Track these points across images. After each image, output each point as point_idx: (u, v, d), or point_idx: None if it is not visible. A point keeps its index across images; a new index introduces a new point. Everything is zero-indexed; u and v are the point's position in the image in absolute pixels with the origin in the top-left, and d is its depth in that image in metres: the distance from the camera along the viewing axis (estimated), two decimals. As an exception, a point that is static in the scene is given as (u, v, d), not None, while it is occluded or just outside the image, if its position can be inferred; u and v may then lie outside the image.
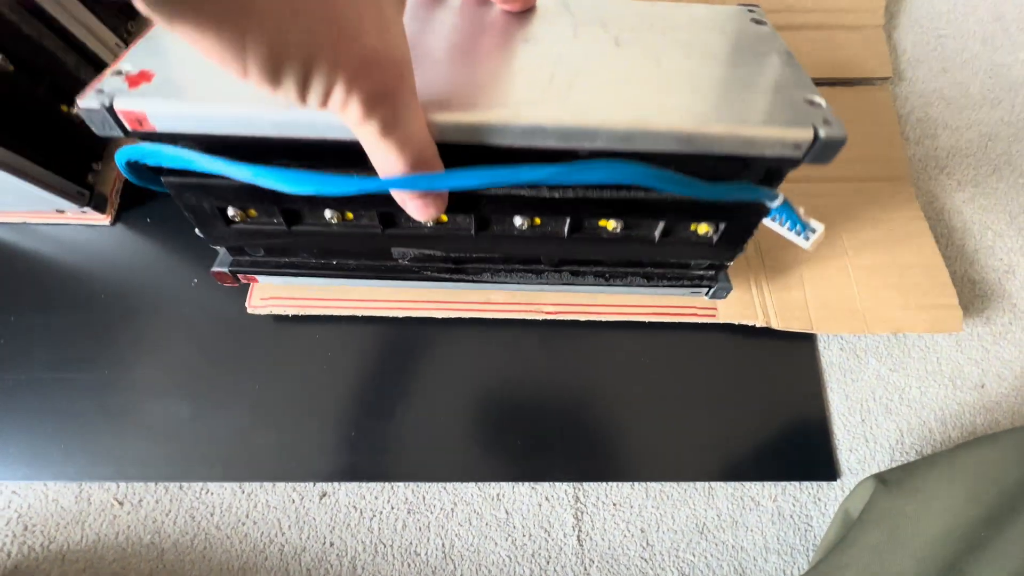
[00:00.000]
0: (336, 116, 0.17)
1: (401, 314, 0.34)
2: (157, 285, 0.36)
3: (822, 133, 0.20)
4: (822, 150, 0.21)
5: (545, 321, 0.34)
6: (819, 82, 0.42)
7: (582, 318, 0.34)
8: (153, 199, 0.38)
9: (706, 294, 0.32)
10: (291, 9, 0.14)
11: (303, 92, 0.15)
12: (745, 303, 0.35)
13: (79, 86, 0.20)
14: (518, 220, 0.26)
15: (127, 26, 0.40)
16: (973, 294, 0.38)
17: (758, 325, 0.34)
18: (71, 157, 0.35)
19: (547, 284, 0.31)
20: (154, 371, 0.34)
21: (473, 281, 0.31)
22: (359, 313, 0.34)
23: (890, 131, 0.40)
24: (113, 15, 0.38)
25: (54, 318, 0.35)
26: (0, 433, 0.32)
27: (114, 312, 0.36)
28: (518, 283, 0.31)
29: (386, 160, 0.18)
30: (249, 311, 0.34)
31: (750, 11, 0.27)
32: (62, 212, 0.36)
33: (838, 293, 0.35)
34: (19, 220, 0.37)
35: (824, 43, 0.42)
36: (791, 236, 0.27)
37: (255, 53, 0.14)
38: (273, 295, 0.34)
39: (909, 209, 0.38)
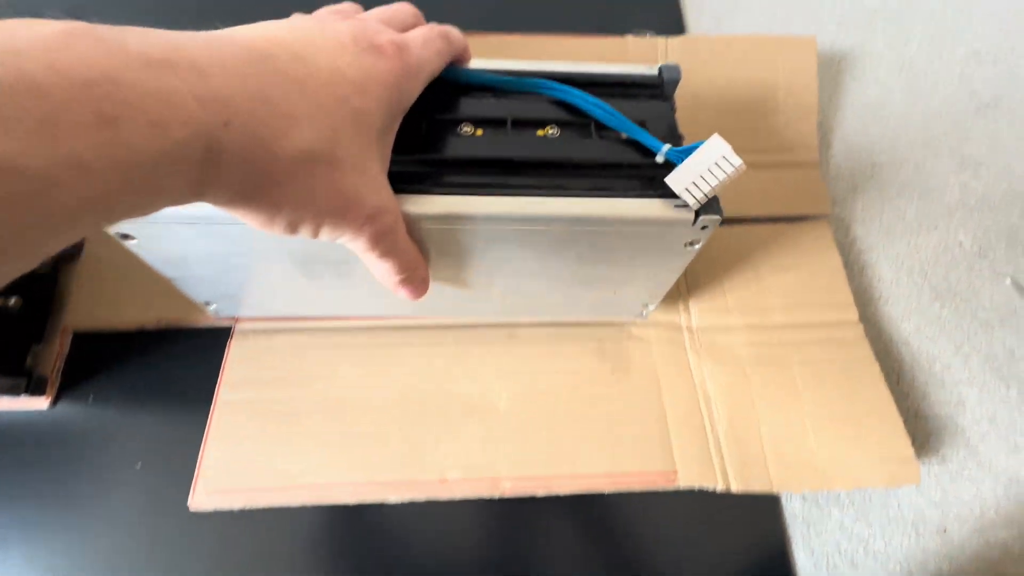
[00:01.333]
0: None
1: (353, 500, 0.33)
2: (98, 469, 0.35)
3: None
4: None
5: (503, 499, 0.34)
6: (763, 219, 0.43)
7: (540, 492, 0.34)
8: (98, 375, 0.37)
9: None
10: (309, 195, 0.19)
11: (316, 237, 0.21)
12: (704, 464, 0.35)
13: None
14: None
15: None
16: (927, 431, 0.39)
17: (718, 490, 0.34)
18: (9, 350, 0.34)
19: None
20: (92, 566, 0.32)
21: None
22: (310, 503, 0.33)
23: (833, 267, 0.42)
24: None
25: (-16, 519, 0.33)
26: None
27: (50, 503, 0.34)
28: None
29: (386, 274, 0.24)
30: (192, 509, 0.32)
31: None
32: (-4, 399, 0.35)
33: (796, 447, 0.35)
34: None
35: (767, 182, 0.44)
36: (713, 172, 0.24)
37: (281, 223, 0.19)
38: (219, 487, 0.33)
39: (860, 349, 0.39)
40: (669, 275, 0.32)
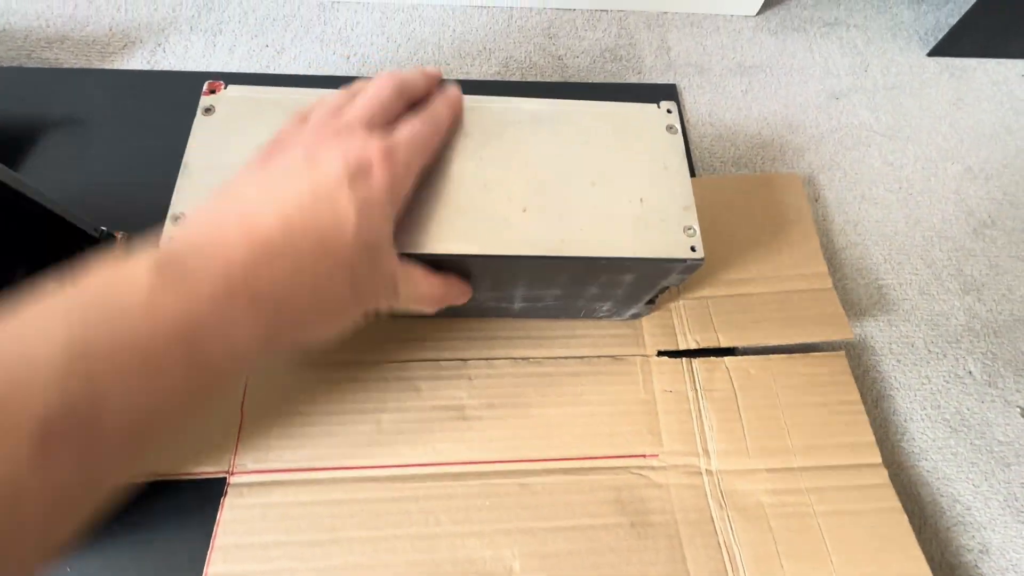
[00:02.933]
0: None
1: None
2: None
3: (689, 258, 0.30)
4: (689, 269, 0.32)
5: None
6: (778, 349, 0.42)
7: None
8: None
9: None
10: (335, 314, 0.25)
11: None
12: (732, 638, 0.33)
13: None
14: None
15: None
16: (954, 584, 0.37)
17: (748, 670, 0.32)
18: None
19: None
20: None
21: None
22: None
23: (852, 402, 0.41)
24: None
25: None
26: None
27: None
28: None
29: (423, 310, 0.30)
30: None
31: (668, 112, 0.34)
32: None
33: (825, 614, 0.34)
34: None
35: (781, 309, 0.44)
36: None
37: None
38: None
39: (886, 499, 0.38)
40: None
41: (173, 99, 0.49)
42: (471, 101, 0.32)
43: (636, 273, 0.32)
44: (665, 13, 0.60)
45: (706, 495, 0.37)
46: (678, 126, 0.34)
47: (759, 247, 0.46)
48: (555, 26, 0.58)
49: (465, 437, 0.38)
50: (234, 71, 0.52)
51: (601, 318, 0.42)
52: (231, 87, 0.32)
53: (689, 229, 0.31)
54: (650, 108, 0.34)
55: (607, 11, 0.59)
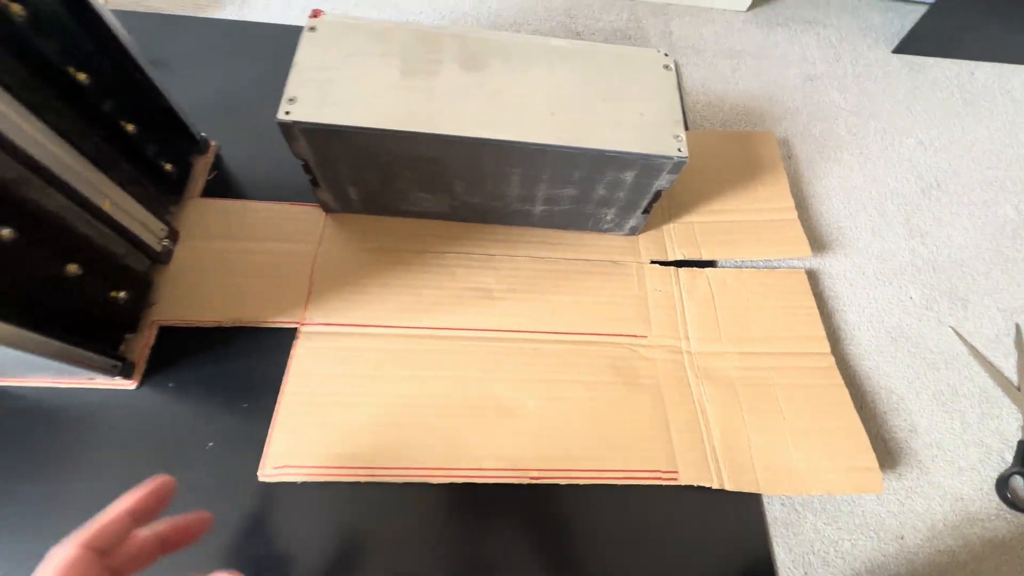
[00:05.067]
0: None
1: (401, 480, 0.38)
2: (175, 446, 0.39)
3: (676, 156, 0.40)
4: (676, 167, 0.41)
5: (530, 485, 0.39)
6: (750, 265, 0.50)
7: (563, 482, 0.39)
8: (177, 365, 0.42)
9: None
10: None
11: None
12: (701, 467, 0.41)
13: (127, 274, 0.25)
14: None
15: (168, 209, 0.46)
16: (885, 451, 0.45)
17: (714, 487, 0.40)
18: (110, 334, 0.40)
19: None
20: None
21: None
22: (363, 479, 0.38)
23: (808, 308, 0.50)
24: (158, 203, 0.44)
25: (73, 482, 0.37)
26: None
27: (130, 471, 0.38)
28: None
29: None
30: (260, 479, 0.37)
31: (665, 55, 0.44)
32: (92, 379, 0.40)
33: (778, 456, 0.42)
34: (50, 384, 0.40)
35: (753, 232, 0.53)
36: None
37: None
38: (285, 463, 0.38)
39: (832, 377, 0.46)
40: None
41: (255, 44, 0.59)
42: (513, 36, 0.42)
43: (636, 170, 0.41)
44: (669, 4, 0.71)
45: (685, 367, 0.45)
46: (672, 65, 0.43)
47: (737, 186, 0.55)
48: (575, 8, 0.69)
49: (491, 311, 0.46)
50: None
51: (605, 230, 0.50)
52: (328, 14, 0.42)
53: (678, 137, 0.40)
54: (651, 51, 0.44)
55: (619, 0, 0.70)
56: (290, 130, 0.37)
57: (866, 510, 0.43)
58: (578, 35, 0.66)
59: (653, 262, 0.50)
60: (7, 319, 0.30)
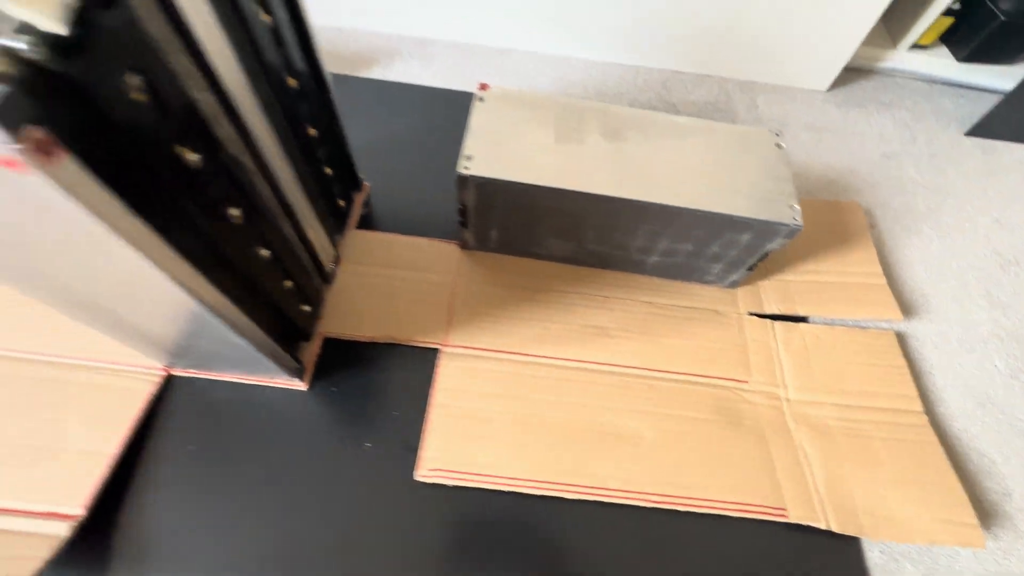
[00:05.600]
0: None
1: (537, 492, 0.43)
2: (336, 444, 0.45)
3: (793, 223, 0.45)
4: (791, 233, 0.46)
5: (646, 508, 0.43)
6: (841, 324, 0.54)
7: (681, 508, 0.43)
8: (338, 373, 0.48)
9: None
10: None
11: None
12: (808, 507, 0.44)
13: (312, 289, 0.31)
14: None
15: (334, 239, 0.54)
16: (980, 511, 0.48)
17: (821, 527, 0.43)
18: (295, 341, 0.47)
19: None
20: (318, 524, 0.41)
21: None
22: (504, 489, 0.42)
23: (900, 368, 0.53)
24: (332, 232, 0.52)
25: (252, 464, 0.43)
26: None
27: (301, 459, 0.44)
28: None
29: None
30: (416, 479, 0.42)
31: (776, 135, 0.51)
32: (272, 378, 0.46)
33: (879, 503, 0.45)
34: (240, 380, 0.46)
35: (846, 293, 0.57)
36: None
37: None
38: (439, 467, 0.43)
39: (927, 434, 0.49)
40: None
41: (396, 101, 0.69)
42: (644, 112, 0.49)
43: (752, 232, 0.47)
44: (755, 82, 0.78)
45: (784, 413, 0.49)
46: (784, 145, 0.50)
47: (827, 250, 0.60)
48: (670, 83, 0.77)
49: (608, 347, 0.51)
50: (439, 86, 0.71)
51: (708, 282, 0.56)
52: (494, 87, 0.50)
53: (793, 207, 0.46)
54: (764, 131, 0.50)
55: (710, 76, 0.78)
56: (466, 182, 0.45)
57: (964, 567, 0.45)
58: (673, 106, 0.74)
59: (751, 314, 0.55)
60: (261, 327, 0.37)
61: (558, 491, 0.43)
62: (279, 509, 0.42)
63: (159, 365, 0.46)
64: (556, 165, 0.46)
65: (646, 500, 0.43)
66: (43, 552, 0.36)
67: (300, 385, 0.47)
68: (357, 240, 0.55)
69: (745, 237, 0.48)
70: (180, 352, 0.42)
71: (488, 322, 0.52)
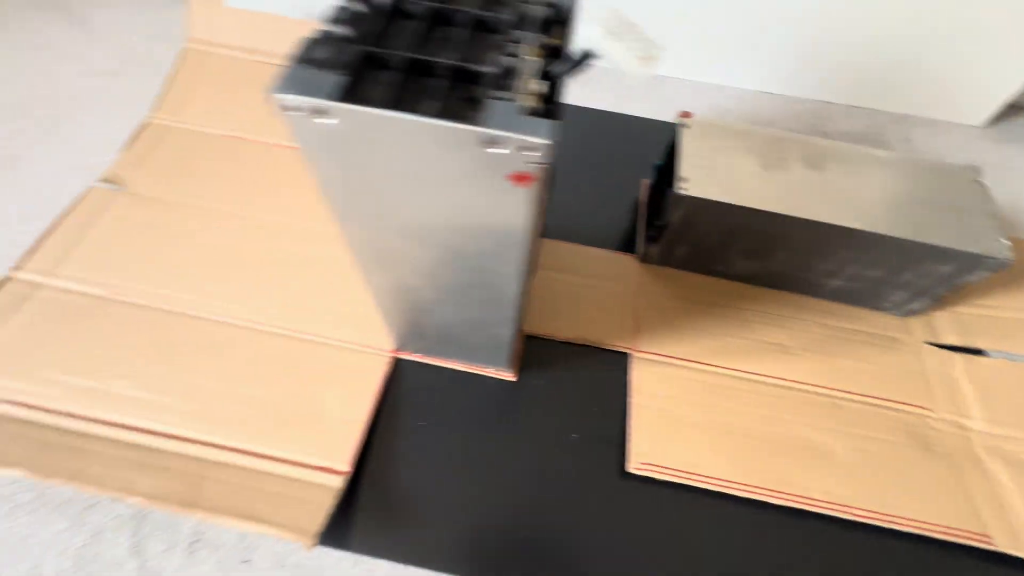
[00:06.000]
0: None
1: (744, 495, 0.45)
2: (543, 434, 0.49)
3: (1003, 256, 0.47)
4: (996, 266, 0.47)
5: (853, 522, 0.45)
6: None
7: (884, 525, 0.44)
8: (540, 368, 0.53)
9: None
10: None
11: None
12: (1013, 536, 0.44)
13: None
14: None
15: (529, 244, 0.59)
16: None
17: (1027, 559, 0.43)
18: (511, 334, 0.52)
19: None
20: (533, 504, 0.45)
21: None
22: (713, 488, 0.45)
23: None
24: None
25: (468, 444, 0.48)
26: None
27: (513, 442, 0.48)
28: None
29: None
30: (628, 470, 0.46)
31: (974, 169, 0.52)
32: (486, 368, 0.51)
33: (1083, 542, 0.44)
34: (459, 368, 0.52)
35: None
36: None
37: None
38: (648, 461, 0.46)
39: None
40: None
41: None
42: (843, 144, 0.52)
43: (955, 264, 0.48)
44: (908, 115, 0.79)
45: (973, 444, 0.50)
46: (984, 182, 0.51)
47: (1001, 285, 0.60)
48: (821, 113, 0.79)
49: (788, 364, 0.54)
50: (595, 107, 0.76)
51: (884, 310, 0.57)
52: (696, 116, 0.54)
53: (1001, 242, 0.47)
54: (962, 166, 0.52)
55: (861, 107, 0.79)
56: (681, 201, 0.49)
57: None
58: (826, 135, 0.76)
59: (926, 343, 0.56)
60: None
61: (764, 496, 0.45)
62: (500, 487, 0.46)
63: (387, 348, 0.52)
64: (765, 190, 0.49)
65: (850, 513, 0.45)
66: (327, 500, 0.42)
67: (509, 376, 0.52)
68: (546, 247, 0.60)
69: (946, 268, 0.49)
70: (427, 335, 0.47)
71: (671, 332, 0.55)
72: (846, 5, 0.71)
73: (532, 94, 0.22)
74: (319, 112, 0.21)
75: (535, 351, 0.53)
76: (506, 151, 0.21)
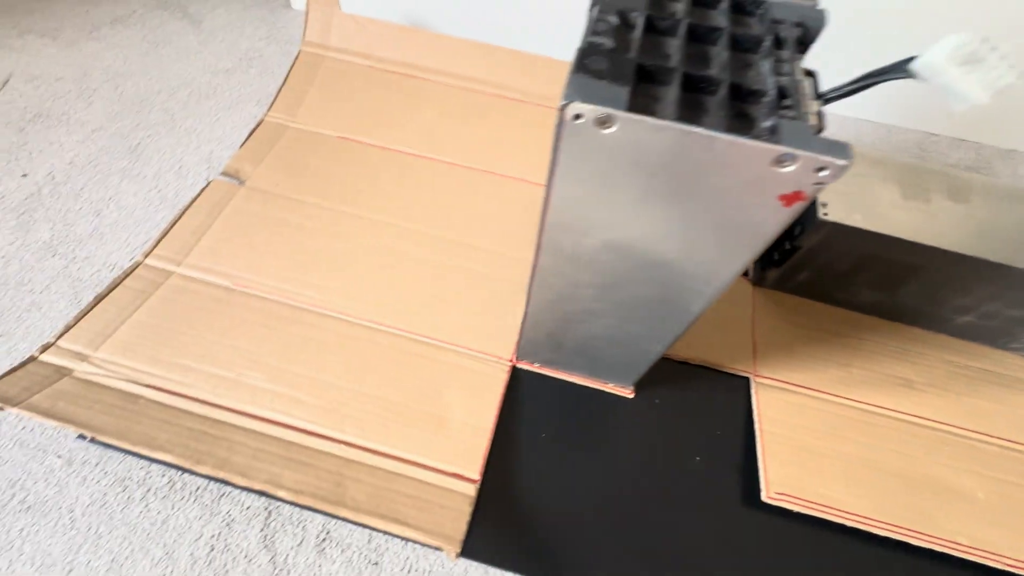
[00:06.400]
0: None
1: (885, 534, 0.43)
2: (664, 453, 0.48)
3: None
4: None
5: (1005, 572, 0.43)
6: None
7: (1034, 578, 0.42)
8: (657, 386, 0.52)
9: None
10: None
11: None
12: None
13: None
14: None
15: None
16: None
17: None
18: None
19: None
20: (659, 527, 0.44)
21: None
22: (851, 525, 0.44)
23: None
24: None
25: (590, 461, 0.47)
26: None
27: (632, 467, 0.47)
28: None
29: None
30: (764, 499, 0.45)
31: None
32: (605, 383, 0.51)
33: None
34: (578, 381, 0.51)
35: None
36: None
37: None
38: (785, 492, 0.45)
39: None
40: None
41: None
42: (983, 176, 0.50)
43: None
44: (1015, 150, 0.77)
45: (1121, 498, 0.47)
46: None
47: None
48: (924, 144, 0.77)
49: (914, 400, 0.52)
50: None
51: (1012, 350, 0.55)
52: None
53: None
54: None
55: (966, 140, 0.78)
56: (822, 226, 0.48)
57: None
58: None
59: (1060, 388, 0.54)
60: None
61: (906, 536, 0.43)
62: (626, 507, 0.45)
63: (506, 356, 0.52)
64: (907, 220, 0.48)
65: (999, 562, 0.43)
66: (465, 507, 0.41)
67: (627, 392, 0.51)
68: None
69: (1097, 311, 0.47)
70: (563, 347, 0.47)
71: (792, 358, 0.54)
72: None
73: (814, 114, 0.22)
74: (603, 122, 0.22)
75: (652, 369, 0.53)
76: (793, 169, 0.21)
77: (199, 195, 0.60)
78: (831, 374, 0.53)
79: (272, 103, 0.69)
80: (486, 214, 0.62)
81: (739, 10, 0.27)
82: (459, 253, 0.58)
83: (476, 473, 0.44)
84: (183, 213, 0.58)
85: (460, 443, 0.46)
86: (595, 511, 0.45)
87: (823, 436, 0.49)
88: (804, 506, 0.44)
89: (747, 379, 0.52)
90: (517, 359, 0.51)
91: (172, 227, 0.57)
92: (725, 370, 0.53)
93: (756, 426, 0.49)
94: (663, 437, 0.49)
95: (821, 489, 0.45)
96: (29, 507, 0.43)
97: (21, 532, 0.42)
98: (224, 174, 0.62)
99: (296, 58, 0.73)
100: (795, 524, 0.44)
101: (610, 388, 0.51)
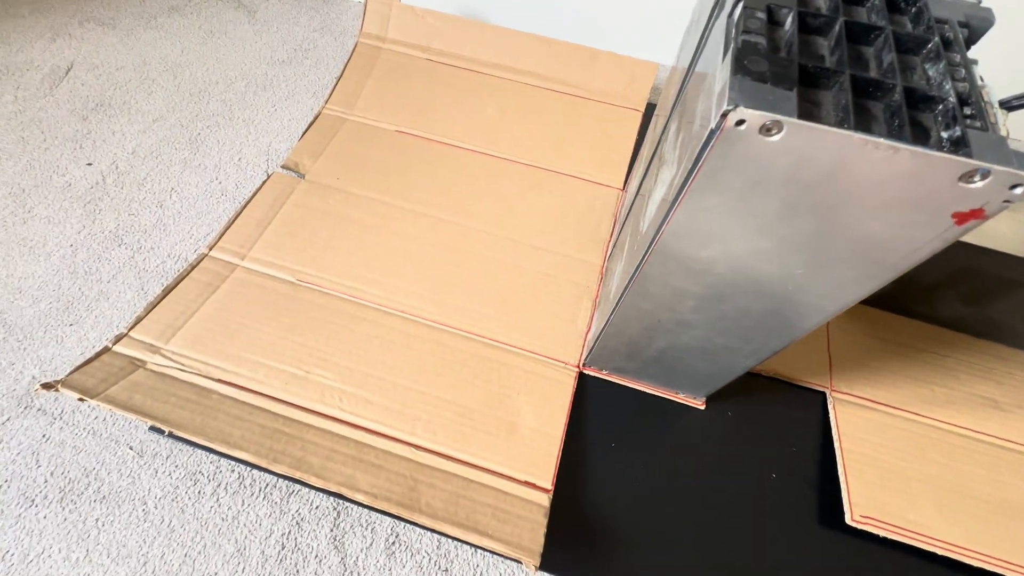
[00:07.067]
0: None
1: (977, 564, 0.41)
2: (738, 467, 0.47)
3: None
4: None
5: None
6: None
7: None
8: (729, 398, 0.50)
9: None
10: None
11: None
12: None
13: None
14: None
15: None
16: None
17: None
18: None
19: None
20: (729, 541, 0.43)
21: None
22: (941, 553, 0.42)
23: None
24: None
25: (660, 472, 0.46)
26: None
27: (704, 480, 0.46)
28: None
29: None
30: (849, 522, 0.43)
31: None
32: (676, 393, 0.49)
33: None
34: (645, 390, 0.50)
35: None
36: None
37: None
38: (871, 516, 0.43)
39: None
40: None
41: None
42: None
43: None
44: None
45: None
46: None
47: None
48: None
49: (1000, 421, 0.49)
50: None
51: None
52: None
53: None
54: None
55: None
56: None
57: None
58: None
59: None
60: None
61: (1002, 568, 0.41)
62: (700, 522, 0.44)
63: (573, 361, 0.50)
64: (1009, 233, 0.45)
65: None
66: (540, 518, 0.40)
67: (698, 404, 0.49)
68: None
69: None
70: (640, 357, 0.45)
71: (870, 373, 0.52)
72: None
73: (1003, 125, 0.20)
74: (769, 129, 0.20)
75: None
76: (982, 185, 0.19)
77: (260, 188, 0.60)
78: (912, 391, 0.51)
79: (329, 95, 0.69)
80: (546, 213, 0.60)
81: (892, 8, 0.25)
82: (521, 253, 0.57)
83: (548, 482, 0.43)
84: (245, 206, 0.58)
85: (532, 451, 0.44)
86: (669, 524, 0.43)
87: (907, 457, 0.47)
88: (891, 531, 0.42)
89: (823, 393, 0.50)
90: (585, 365, 0.50)
91: (235, 220, 0.57)
92: (799, 383, 0.51)
93: (836, 444, 0.47)
94: (737, 451, 0.47)
95: (910, 514, 0.43)
96: (104, 497, 0.43)
97: (97, 522, 0.42)
98: (284, 167, 0.62)
99: (353, 49, 0.72)
100: (880, 549, 0.43)
101: (680, 398, 0.49)
